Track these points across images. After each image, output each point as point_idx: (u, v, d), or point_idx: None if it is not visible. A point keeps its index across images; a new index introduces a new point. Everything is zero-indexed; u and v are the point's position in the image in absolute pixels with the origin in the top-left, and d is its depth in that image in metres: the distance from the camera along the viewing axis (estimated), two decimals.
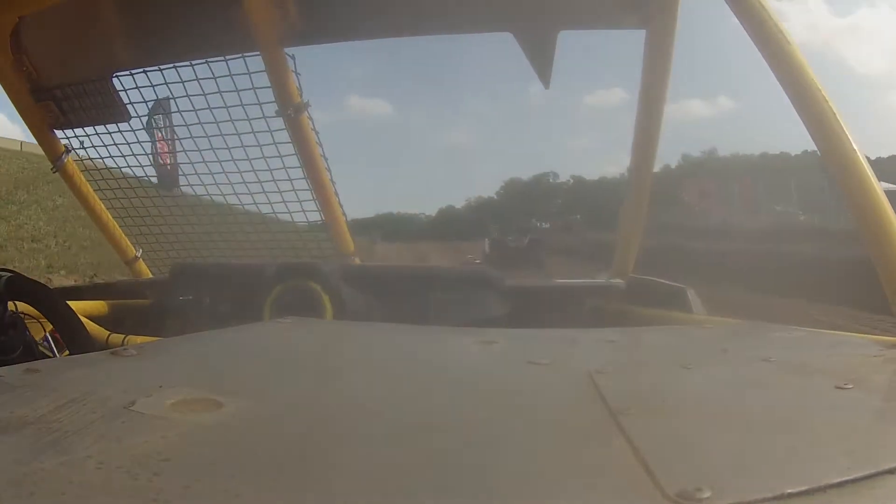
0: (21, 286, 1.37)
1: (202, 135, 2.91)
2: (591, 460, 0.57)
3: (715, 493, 0.46)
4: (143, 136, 3.00)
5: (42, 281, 1.52)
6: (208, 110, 2.83)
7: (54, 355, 1.53)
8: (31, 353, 1.39)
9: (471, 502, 0.48)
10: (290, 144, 2.82)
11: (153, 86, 2.85)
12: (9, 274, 1.37)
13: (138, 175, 3.16)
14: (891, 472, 0.50)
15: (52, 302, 1.40)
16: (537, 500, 0.48)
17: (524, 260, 17.43)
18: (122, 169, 3.15)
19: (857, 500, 0.47)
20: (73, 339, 1.38)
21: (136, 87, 2.87)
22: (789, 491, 0.46)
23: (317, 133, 2.79)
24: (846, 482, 0.48)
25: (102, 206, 3.22)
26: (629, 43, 2.42)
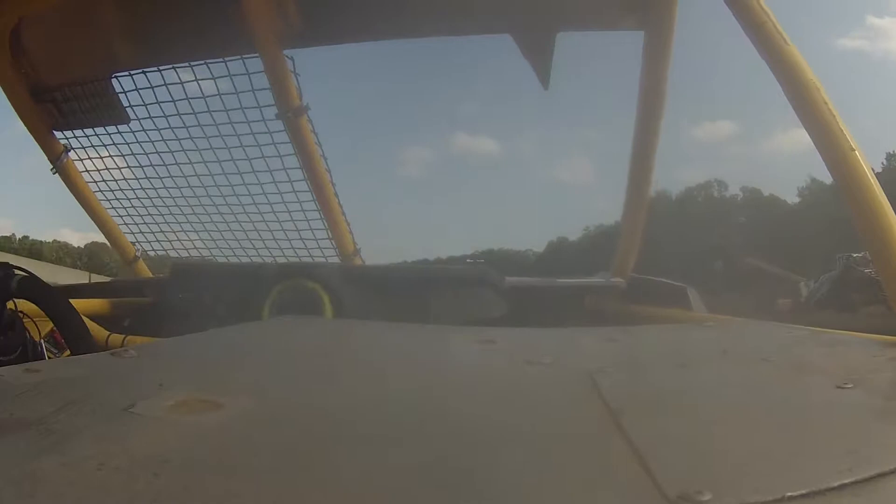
0: (27, 284, 1.37)
1: (202, 136, 2.91)
2: (591, 461, 0.56)
3: (715, 495, 0.45)
4: (143, 136, 3.00)
5: None
6: (208, 113, 2.84)
7: (55, 355, 1.53)
8: (31, 352, 1.39)
9: (471, 502, 0.48)
10: (290, 145, 2.82)
11: (153, 87, 2.85)
12: (23, 273, 1.37)
13: (138, 176, 3.16)
14: (893, 472, 0.49)
15: (56, 301, 1.39)
16: (537, 500, 0.48)
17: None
18: (122, 170, 3.16)
19: (859, 500, 0.47)
20: (74, 339, 1.38)
21: (136, 89, 2.88)
22: (790, 494, 0.46)
23: (316, 135, 2.80)
24: (847, 484, 0.47)
25: (102, 207, 3.22)
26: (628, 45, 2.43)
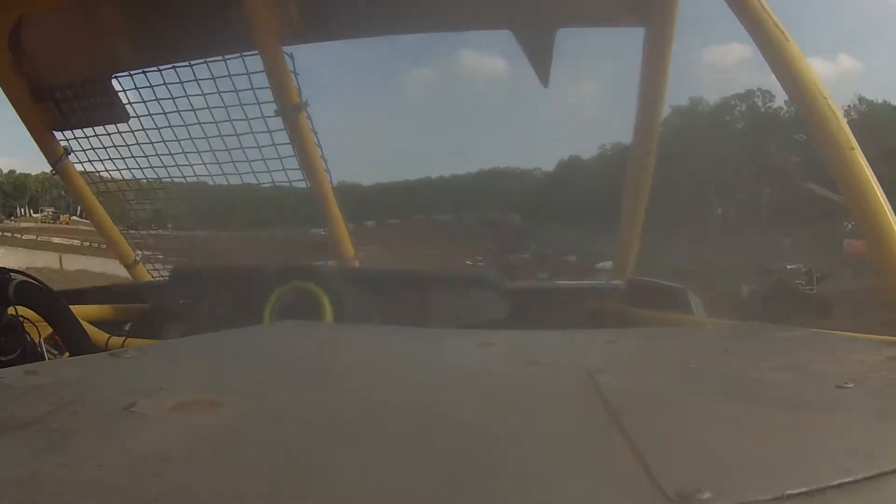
0: (24, 289, 1.37)
1: (201, 135, 2.91)
2: (591, 460, 0.57)
3: (715, 493, 0.45)
4: (143, 137, 3.00)
5: None
6: (207, 110, 2.84)
7: (55, 357, 1.53)
8: (31, 355, 1.39)
9: (471, 502, 0.48)
10: (290, 146, 2.82)
11: (152, 86, 2.85)
12: (20, 277, 1.37)
13: (138, 178, 3.15)
14: (893, 472, 0.49)
15: (54, 306, 1.39)
16: (537, 499, 0.48)
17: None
18: (122, 171, 3.16)
19: (859, 500, 0.47)
20: (73, 343, 1.38)
21: (136, 88, 2.87)
22: (790, 492, 0.46)
23: (316, 133, 2.79)
24: (847, 483, 0.48)
25: (102, 209, 3.22)
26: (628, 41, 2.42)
